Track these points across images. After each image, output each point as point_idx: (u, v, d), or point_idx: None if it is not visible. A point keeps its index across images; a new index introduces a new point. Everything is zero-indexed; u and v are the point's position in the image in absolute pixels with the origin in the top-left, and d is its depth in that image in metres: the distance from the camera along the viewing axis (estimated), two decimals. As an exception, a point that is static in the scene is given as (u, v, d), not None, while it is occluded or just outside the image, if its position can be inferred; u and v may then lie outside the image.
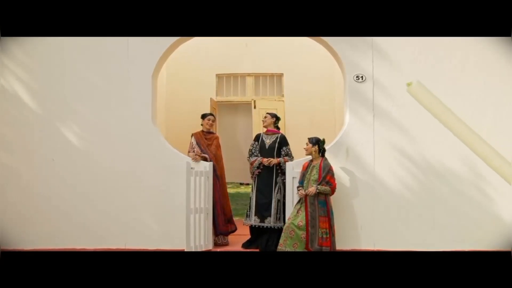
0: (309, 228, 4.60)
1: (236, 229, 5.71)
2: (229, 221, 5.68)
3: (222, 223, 5.51)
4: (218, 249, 5.33)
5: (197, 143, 5.54)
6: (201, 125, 5.72)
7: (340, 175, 5.14)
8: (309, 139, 4.91)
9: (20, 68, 5.33)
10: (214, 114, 5.94)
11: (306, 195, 4.69)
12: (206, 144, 5.59)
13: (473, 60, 5.12)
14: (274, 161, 5.44)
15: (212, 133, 5.77)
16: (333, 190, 4.76)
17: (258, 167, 5.49)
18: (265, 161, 5.45)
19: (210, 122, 5.70)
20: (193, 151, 5.45)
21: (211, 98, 7.95)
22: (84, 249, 5.17)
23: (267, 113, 5.78)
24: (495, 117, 5.11)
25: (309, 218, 4.63)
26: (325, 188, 4.69)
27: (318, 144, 4.87)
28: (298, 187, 4.87)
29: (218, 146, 5.71)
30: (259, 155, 5.57)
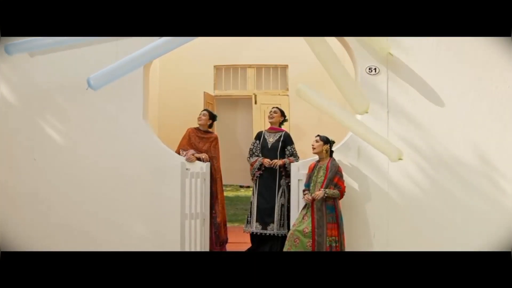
0: (316, 237, 4.57)
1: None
2: (223, 243, 5.61)
3: (214, 245, 5.47)
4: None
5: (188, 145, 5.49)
6: None
7: (350, 177, 5.11)
8: (319, 136, 4.88)
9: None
10: (210, 110, 5.88)
11: (313, 200, 4.65)
12: (202, 144, 5.54)
13: (475, 60, 5.15)
14: (279, 162, 5.40)
15: (209, 132, 5.72)
16: (342, 194, 4.73)
17: (259, 169, 5.46)
18: (266, 162, 5.41)
19: (201, 116, 5.66)
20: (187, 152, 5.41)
21: (204, 92, 7.91)
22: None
23: (276, 108, 5.74)
24: (494, 117, 5.10)
25: (316, 225, 4.59)
26: (333, 191, 4.65)
27: (329, 143, 4.84)
28: (304, 190, 4.83)
29: (215, 148, 5.64)
30: (260, 155, 5.54)
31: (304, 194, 4.78)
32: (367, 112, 4.81)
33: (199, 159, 5.34)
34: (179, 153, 5.42)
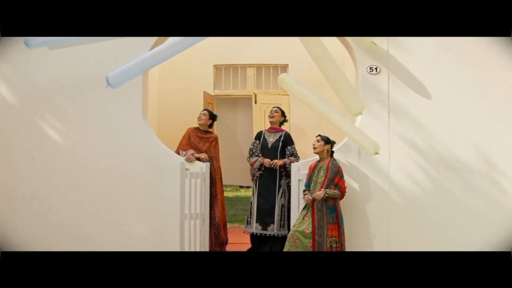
0: (316, 237, 4.59)
1: None
2: (223, 244, 5.62)
3: (214, 246, 5.47)
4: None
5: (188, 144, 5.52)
6: None
7: (351, 178, 5.12)
8: (320, 136, 4.90)
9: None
10: (210, 109, 5.90)
11: (313, 200, 4.67)
12: (202, 144, 5.55)
13: (475, 60, 5.18)
14: (279, 162, 5.42)
15: (209, 132, 5.73)
16: (342, 194, 4.75)
17: (259, 169, 5.48)
18: (267, 162, 5.43)
19: (201, 116, 5.67)
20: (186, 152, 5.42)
21: (204, 92, 7.92)
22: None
23: (277, 107, 5.77)
24: (495, 117, 5.12)
25: (316, 225, 4.61)
26: (334, 191, 4.67)
27: (330, 143, 4.86)
28: (304, 190, 4.85)
29: (215, 148, 5.65)
30: (260, 155, 5.55)
31: (304, 195, 4.80)
32: (361, 114, 4.85)
33: (198, 159, 5.36)
34: (178, 153, 5.44)
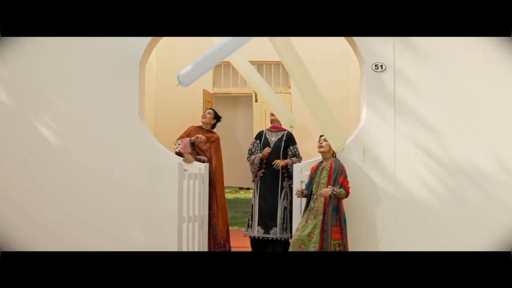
0: (322, 242, 4.54)
1: None
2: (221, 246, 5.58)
3: (212, 248, 5.43)
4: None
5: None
6: None
7: (355, 180, 5.06)
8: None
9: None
10: (213, 109, 5.87)
11: (310, 198, 4.65)
12: (203, 144, 5.51)
13: (483, 58, 5.19)
14: (281, 163, 5.38)
15: (212, 132, 5.70)
16: (347, 193, 4.70)
17: (259, 166, 5.43)
18: (266, 151, 5.35)
19: (205, 114, 5.66)
20: (180, 145, 5.38)
21: (204, 90, 7.89)
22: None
23: None
24: (505, 116, 5.14)
25: (323, 228, 4.57)
26: (340, 190, 4.61)
27: None
28: (304, 190, 4.80)
29: (216, 149, 5.61)
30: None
31: (298, 191, 4.79)
32: (342, 150, 4.87)
33: (193, 144, 5.35)
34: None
